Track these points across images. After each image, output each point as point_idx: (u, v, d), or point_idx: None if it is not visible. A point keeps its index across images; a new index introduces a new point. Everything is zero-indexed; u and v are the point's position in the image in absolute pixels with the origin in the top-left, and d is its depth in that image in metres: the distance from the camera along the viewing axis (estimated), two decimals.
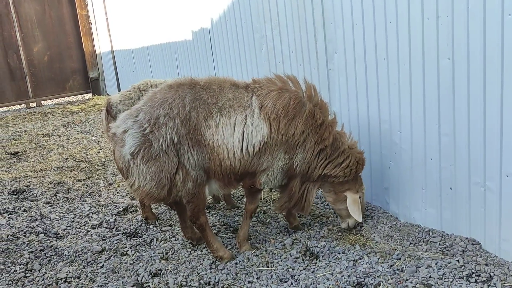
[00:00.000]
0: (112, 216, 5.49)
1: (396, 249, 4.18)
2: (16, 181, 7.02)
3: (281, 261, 4.20)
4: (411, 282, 3.65)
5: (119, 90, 13.88)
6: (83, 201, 6.05)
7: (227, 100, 3.95)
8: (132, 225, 5.19)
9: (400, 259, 4.01)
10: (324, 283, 3.78)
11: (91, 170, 7.34)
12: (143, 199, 4.09)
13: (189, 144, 3.86)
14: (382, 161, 4.85)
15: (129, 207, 5.72)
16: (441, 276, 3.67)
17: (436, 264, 3.83)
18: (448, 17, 3.79)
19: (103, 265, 4.39)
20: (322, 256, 4.21)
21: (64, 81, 16.05)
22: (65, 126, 11.24)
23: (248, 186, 4.21)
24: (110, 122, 4.98)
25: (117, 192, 6.24)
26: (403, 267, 3.86)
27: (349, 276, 3.83)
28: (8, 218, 5.58)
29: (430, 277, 3.67)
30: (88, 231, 5.13)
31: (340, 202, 4.38)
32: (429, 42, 4.00)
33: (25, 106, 15.43)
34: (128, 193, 6.17)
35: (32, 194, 6.40)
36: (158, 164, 3.83)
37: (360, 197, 4.37)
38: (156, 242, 4.75)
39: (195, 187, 3.98)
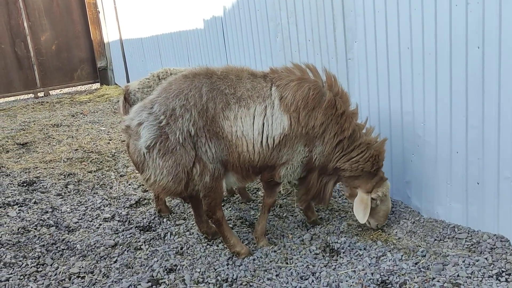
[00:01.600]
0: (124, 209, 5.39)
1: (420, 246, 4.05)
2: (25, 172, 6.93)
3: (301, 257, 4.08)
4: (438, 281, 3.52)
5: (127, 80, 13.75)
6: (94, 193, 5.95)
7: (245, 90, 3.81)
8: (145, 218, 5.08)
9: (425, 256, 3.88)
10: (346, 281, 3.66)
11: (101, 162, 7.24)
12: (159, 193, 3.97)
13: (207, 136, 3.73)
14: (403, 154, 4.71)
15: (141, 199, 5.61)
16: (469, 275, 3.54)
17: (464, 262, 3.70)
18: (478, 3, 3.62)
19: (116, 259, 4.29)
20: (343, 253, 4.09)
21: (72, 71, 15.94)
22: (73, 116, 11.14)
23: (267, 179, 4.08)
24: (128, 110, 4.86)
25: (129, 184, 6.14)
26: (428, 265, 3.73)
27: (372, 273, 3.70)
28: (19, 210, 5.50)
29: (458, 275, 3.54)
30: (100, 225, 5.03)
31: (353, 199, 4.23)
32: (457, 30, 3.84)
33: (32, 95, 15.34)
34: (140, 185, 6.06)
35: (42, 185, 6.31)
36: (175, 157, 3.71)
37: (375, 200, 4.12)
38: (170, 236, 4.64)
39: (212, 181, 3.86)
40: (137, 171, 4.38)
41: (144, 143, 3.71)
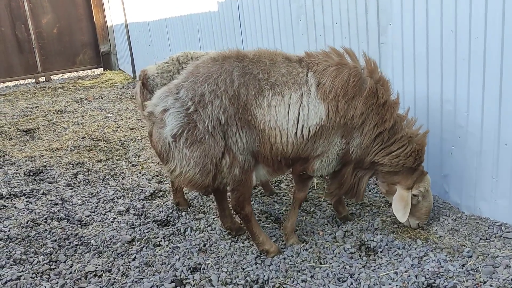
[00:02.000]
0: (139, 201, 5.11)
1: (465, 245, 3.78)
2: (31, 161, 6.65)
3: (335, 256, 3.82)
4: (490, 285, 3.26)
5: (132, 65, 13.42)
6: (106, 184, 5.67)
7: (280, 76, 3.52)
8: (162, 211, 4.81)
9: (471, 257, 3.62)
10: (389, 283, 3.40)
11: (110, 150, 6.95)
12: (184, 186, 3.68)
13: (238, 125, 3.45)
14: (442, 146, 4.42)
15: (156, 191, 5.34)
16: None
17: None
18: None
19: (135, 257, 4.02)
20: (381, 252, 3.82)
21: (74, 55, 15.63)
22: (78, 102, 10.84)
23: (299, 172, 3.81)
24: (146, 96, 4.57)
25: (142, 175, 5.86)
26: (477, 267, 3.47)
27: (416, 276, 3.44)
28: (27, 202, 5.22)
29: None
30: (114, 218, 4.76)
31: (392, 195, 3.98)
32: (511, 10, 3.53)
33: (34, 80, 15.03)
34: (154, 176, 5.78)
35: (50, 175, 6.03)
36: (203, 147, 3.43)
37: (416, 196, 3.88)
38: (191, 232, 4.37)
39: (242, 174, 3.59)
40: (158, 162, 4.07)
41: (170, 131, 3.43)
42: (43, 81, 15.00)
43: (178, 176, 3.58)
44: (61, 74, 15.80)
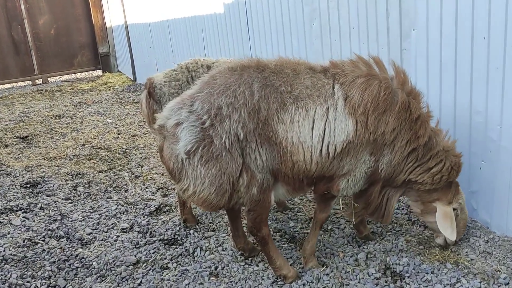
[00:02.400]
0: (144, 217, 4.82)
1: (500, 271, 3.51)
2: (28, 171, 6.35)
3: (359, 283, 3.55)
4: None
5: (132, 67, 13.14)
6: (107, 197, 5.38)
7: (304, 88, 3.25)
8: (169, 229, 4.53)
9: (508, 284, 3.35)
10: None
11: (112, 160, 6.66)
12: (198, 206, 3.40)
13: (257, 141, 3.18)
14: (470, 160, 4.15)
15: (162, 206, 5.05)
16: None
17: None
18: None
19: (141, 281, 3.75)
20: (408, 277, 3.55)
21: (72, 57, 15.32)
22: (76, 106, 10.55)
23: (322, 192, 3.54)
24: (152, 107, 4.28)
25: (146, 187, 5.57)
26: None
27: None
28: (23, 218, 4.93)
29: None
30: (118, 236, 4.47)
31: (429, 214, 3.73)
32: None
33: (30, 83, 14.74)
34: (159, 189, 5.49)
35: (48, 187, 5.74)
36: (220, 165, 3.16)
37: (455, 209, 3.67)
38: (200, 253, 4.09)
39: (260, 193, 3.32)
40: (163, 173, 3.77)
41: (183, 147, 3.15)
42: (40, 84, 14.70)
43: (192, 196, 3.30)
44: (59, 76, 15.50)
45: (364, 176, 3.43)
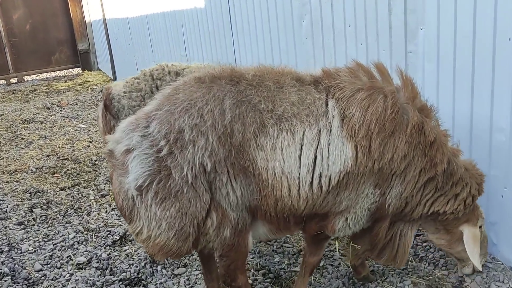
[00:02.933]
0: (105, 248, 4.17)
1: None
2: None
3: None
4: None
5: (112, 65, 12.44)
6: (66, 222, 4.71)
7: (289, 106, 2.61)
8: (132, 264, 3.88)
9: None
10: None
11: (78, 173, 5.98)
12: (155, 254, 2.73)
13: (230, 173, 2.54)
14: (490, 185, 3.53)
15: (127, 233, 4.39)
16: None
17: None
18: None
19: None
20: None
21: (50, 54, 14.58)
22: (49, 109, 9.86)
23: (314, 232, 2.90)
24: (109, 122, 3.63)
25: (112, 209, 4.90)
26: None
27: None
28: None
29: None
30: (71, 274, 3.83)
31: (457, 242, 3.13)
32: None
33: (5, 82, 13.98)
34: None
35: (1, 209, 5.06)
36: (180, 204, 2.52)
37: (481, 227, 3.17)
38: None
39: (234, 236, 2.70)
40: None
41: (133, 181, 2.51)
42: (15, 83, 13.96)
43: (146, 241, 2.66)
44: (36, 75, 14.76)
45: (367, 213, 2.80)
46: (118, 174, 2.62)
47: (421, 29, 3.78)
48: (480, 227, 3.14)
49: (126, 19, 10.73)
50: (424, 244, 3.80)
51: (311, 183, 2.63)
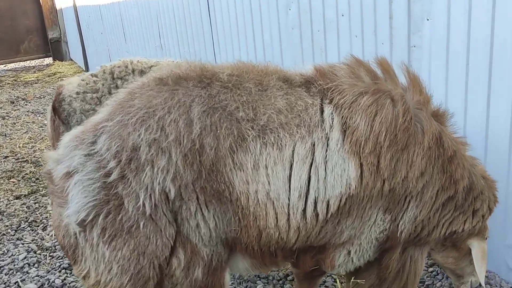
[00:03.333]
0: (60, 272, 3.63)
1: None
2: None
3: None
4: None
5: (84, 55, 11.80)
6: (18, 238, 4.15)
7: (275, 113, 2.09)
8: None
9: None
10: None
11: (37, 178, 5.41)
12: None
13: (200, 199, 2.03)
14: (507, 203, 3.08)
15: None
16: None
17: None
18: None
19: None
20: None
21: (18, 42, 13.92)
22: (13, 103, 9.24)
23: (309, 268, 2.41)
24: (58, 128, 3.06)
25: None
26: None
27: None
28: None
29: None
30: None
31: (464, 258, 2.74)
32: None
33: None
34: None
35: None
36: (136, 242, 2.00)
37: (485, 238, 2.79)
38: None
39: (207, 276, 2.20)
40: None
41: (74, 215, 1.98)
42: None
43: (95, 287, 2.10)
44: (4, 65, 14.03)
45: (374, 244, 2.34)
46: (57, 204, 2.08)
47: (428, 19, 3.29)
48: (486, 238, 2.75)
49: (97, 6, 10.09)
50: (431, 269, 3.32)
51: (304, 210, 2.13)
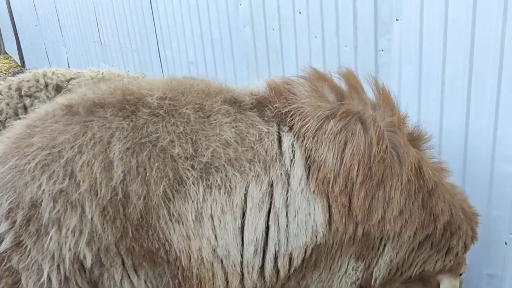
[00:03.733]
0: None
1: None
2: None
3: None
4: None
5: (19, 49, 11.17)
6: None
7: (221, 146, 1.73)
8: None
9: None
10: None
11: None
12: None
13: (126, 264, 1.65)
14: (491, 229, 2.83)
15: None
16: None
17: None
18: None
19: None
20: None
21: None
22: None
23: None
24: None
25: None
26: None
27: None
28: None
29: None
30: None
31: None
32: None
33: None
34: None
35: None
36: None
37: (461, 274, 2.56)
38: None
39: None
40: None
41: None
42: None
43: None
44: None
45: None
46: None
47: (397, 20, 2.99)
48: (460, 274, 2.56)
49: None
50: None
51: (262, 267, 1.77)
